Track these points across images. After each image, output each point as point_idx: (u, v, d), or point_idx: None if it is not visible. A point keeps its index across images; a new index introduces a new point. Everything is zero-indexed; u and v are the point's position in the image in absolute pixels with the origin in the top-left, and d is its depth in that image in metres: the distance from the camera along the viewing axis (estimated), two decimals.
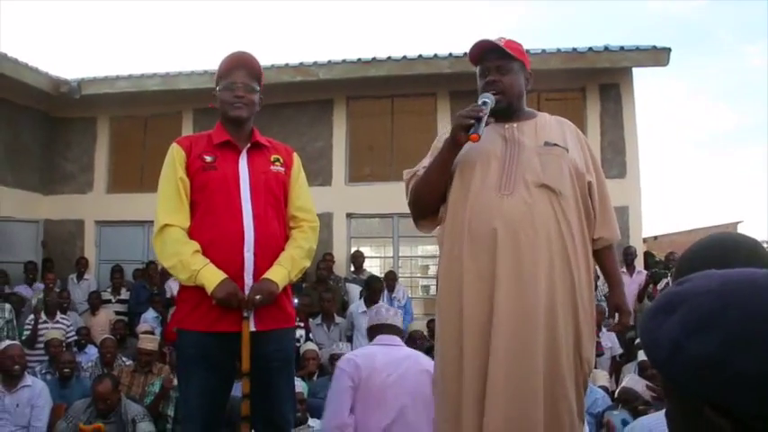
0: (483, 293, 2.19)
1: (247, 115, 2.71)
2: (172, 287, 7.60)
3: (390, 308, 3.70)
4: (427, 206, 2.45)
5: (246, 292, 2.54)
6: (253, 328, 2.54)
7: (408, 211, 2.51)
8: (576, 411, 2.20)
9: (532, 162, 2.27)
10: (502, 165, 2.29)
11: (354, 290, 7.93)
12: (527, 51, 2.49)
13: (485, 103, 2.27)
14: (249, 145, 2.72)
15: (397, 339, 3.41)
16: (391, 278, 8.16)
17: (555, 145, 2.32)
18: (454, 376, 2.23)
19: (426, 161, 2.47)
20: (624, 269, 7.99)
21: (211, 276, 2.49)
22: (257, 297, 2.52)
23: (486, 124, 2.25)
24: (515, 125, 2.37)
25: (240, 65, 2.72)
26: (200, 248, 2.54)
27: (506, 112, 2.38)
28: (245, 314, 2.52)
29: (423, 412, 3.03)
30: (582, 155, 2.40)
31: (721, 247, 1.39)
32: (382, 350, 3.28)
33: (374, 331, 3.51)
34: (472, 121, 2.20)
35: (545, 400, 2.13)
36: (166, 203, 2.60)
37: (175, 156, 2.64)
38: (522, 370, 2.12)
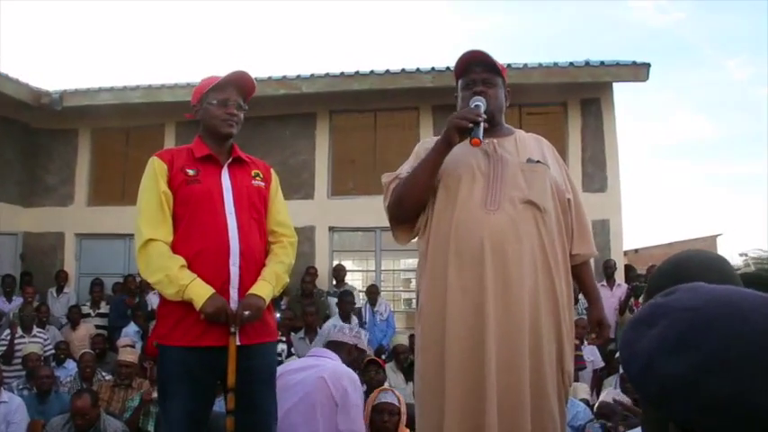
0: (468, 308, 2.19)
1: (236, 132, 2.72)
2: (152, 301, 7.54)
3: (346, 326, 3.82)
4: (408, 210, 2.40)
5: (232, 305, 2.53)
6: (237, 343, 2.53)
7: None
8: (560, 425, 2.22)
9: (517, 179, 2.29)
10: (487, 181, 2.29)
11: (335, 304, 7.93)
12: (508, 66, 2.52)
13: (478, 107, 2.27)
14: (231, 159, 2.73)
15: (327, 352, 3.49)
16: (373, 292, 8.17)
17: (537, 162, 2.34)
18: (437, 389, 2.22)
19: (407, 167, 2.45)
20: (604, 282, 8.05)
21: (200, 291, 2.47)
22: (246, 313, 2.51)
23: (484, 128, 2.24)
24: (495, 140, 2.38)
25: (237, 83, 2.72)
26: (185, 263, 2.51)
27: (487, 127, 2.39)
28: (233, 329, 2.51)
29: (303, 414, 3.12)
30: (560, 171, 2.44)
31: (689, 265, 1.41)
32: (307, 359, 3.51)
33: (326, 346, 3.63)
34: (470, 125, 2.19)
35: (531, 413, 2.14)
36: (149, 217, 2.56)
37: (157, 169, 2.61)
38: (510, 382, 2.13)
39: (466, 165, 2.33)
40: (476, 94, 2.35)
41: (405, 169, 2.45)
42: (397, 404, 3.65)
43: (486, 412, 2.10)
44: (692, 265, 1.42)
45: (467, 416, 2.15)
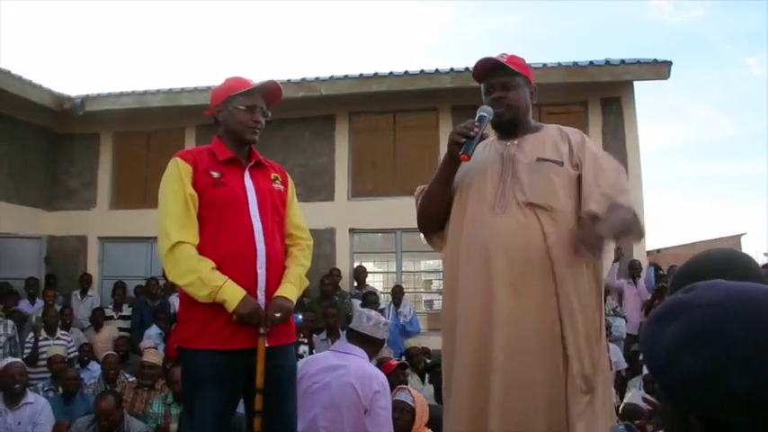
0: (475, 310, 2.19)
1: (258, 139, 2.73)
2: (174, 303, 7.58)
3: (373, 318, 3.47)
4: (430, 221, 2.48)
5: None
6: (266, 345, 2.54)
7: (411, 226, 2.56)
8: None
9: (523, 180, 2.26)
10: (496, 184, 2.28)
11: (358, 305, 7.94)
12: (529, 65, 2.49)
13: (482, 118, 2.27)
14: (252, 163, 2.74)
15: (354, 348, 3.34)
16: (398, 292, 8.21)
17: (547, 160, 2.29)
18: (448, 390, 2.28)
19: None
20: (631, 280, 8.06)
21: (234, 292, 2.47)
22: (277, 315, 2.53)
23: (483, 138, 2.26)
24: (516, 142, 2.36)
25: (265, 91, 2.73)
26: (215, 265, 2.51)
27: (511, 127, 2.38)
28: (263, 331, 2.52)
29: (331, 420, 3.09)
30: (569, 156, 2.32)
31: (715, 263, 1.39)
32: (329, 356, 3.32)
33: (349, 335, 3.47)
34: (463, 140, 2.21)
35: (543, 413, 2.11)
36: (176, 219, 2.53)
37: (182, 170, 2.59)
38: (520, 383, 2.11)
39: (480, 170, 2.33)
40: (494, 100, 2.34)
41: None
42: (410, 403, 3.63)
43: (489, 414, 2.10)
44: (716, 262, 1.40)
45: (474, 414, 2.15)
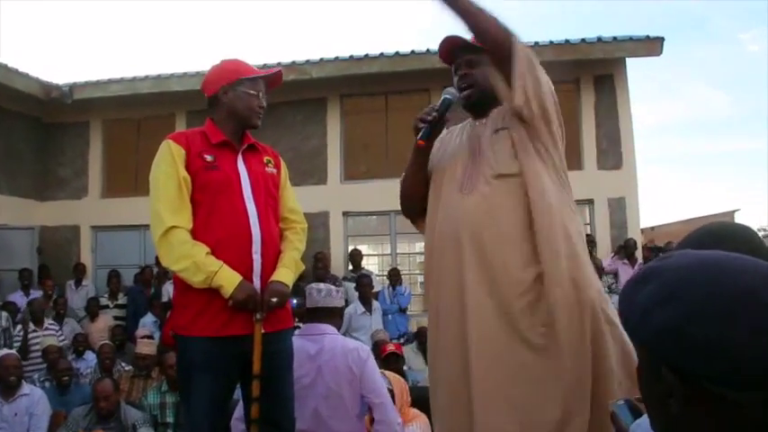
0: (452, 294, 2.13)
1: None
2: (169, 291, 7.56)
3: (323, 288, 3.31)
4: (409, 206, 2.45)
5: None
6: (263, 330, 2.53)
7: None
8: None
9: (487, 154, 2.18)
10: (465, 164, 2.22)
11: (353, 289, 7.95)
12: None
13: (444, 101, 2.23)
14: (245, 146, 2.71)
15: (322, 327, 3.21)
16: (395, 275, 8.24)
17: (501, 129, 2.20)
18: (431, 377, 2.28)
19: None
20: (626, 260, 8.06)
21: (230, 277, 2.45)
22: (273, 300, 2.51)
23: (445, 122, 2.24)
24: (485, 120, 2.28)
25: (269, 79, 2.74)
26: (210, 250, 2.48)
27: (481, 107, 2.30)
28: (259, 316, 2.50)
29: (336, 409, 3.08)
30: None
31: (716, 237, 1.38)
32: (304, 344, 3.12)
33: (308, 316, 3.32)
34: (422, 125, 2.19)
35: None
36: (169, 203, 2.49)
37: (174, 153, 2.54)
38: (491, 366, 2.03)
39: (452, 153, 2.29)
40: (460, 78, 2.29)
41: None
42: (388, 386, 3.66)
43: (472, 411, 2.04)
44: (721, 235, 1.38)
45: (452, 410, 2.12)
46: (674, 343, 0.81)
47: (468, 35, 2.23)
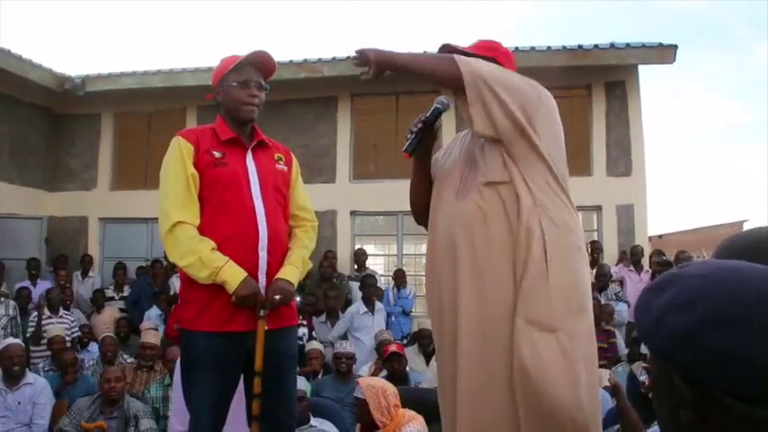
0: (446, 299, 2.15)
1: (257, 116, 2.69)
2: (175, 284, 7.58)
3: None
4: (417, 210, 2.49)
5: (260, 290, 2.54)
6: (266, 327, 2.53)
7: None
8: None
9: (479, 162, 2.18)
10: (462, 171, 2.23)
11: (357, 288, 7.94)
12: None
13: (434, 109, 2.24)
14: (255, 143, 2.70)
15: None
16: (400, 276, 8.20)
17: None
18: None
19: None
20: (632, 267, 7.99)
21: (234, 273, 2.46)
22: (277, 297, 2.51)
23: (435, 130, 2.27)
24: None
25: (256, 63, 2.68)
26: (215, 246, 2.49)
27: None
28: (262, 313, 2.50)
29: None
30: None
31: (751, 240, 1.35)
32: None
33: None
34: (409, 135, 2.21)
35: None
36: (176, 199, 2.51)
37: (183, 149, 2.55)
38: (483, 376, 2.04)
39: (452, 160, 2.31)
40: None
41: None
42: (361, 396, 3.76)
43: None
44: (758, 238, 1.34)
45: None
46: (687, 350, 0.80)
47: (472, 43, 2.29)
